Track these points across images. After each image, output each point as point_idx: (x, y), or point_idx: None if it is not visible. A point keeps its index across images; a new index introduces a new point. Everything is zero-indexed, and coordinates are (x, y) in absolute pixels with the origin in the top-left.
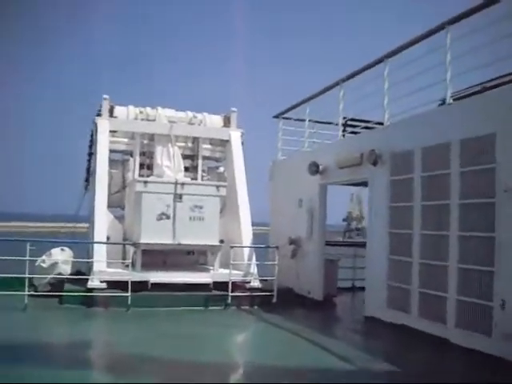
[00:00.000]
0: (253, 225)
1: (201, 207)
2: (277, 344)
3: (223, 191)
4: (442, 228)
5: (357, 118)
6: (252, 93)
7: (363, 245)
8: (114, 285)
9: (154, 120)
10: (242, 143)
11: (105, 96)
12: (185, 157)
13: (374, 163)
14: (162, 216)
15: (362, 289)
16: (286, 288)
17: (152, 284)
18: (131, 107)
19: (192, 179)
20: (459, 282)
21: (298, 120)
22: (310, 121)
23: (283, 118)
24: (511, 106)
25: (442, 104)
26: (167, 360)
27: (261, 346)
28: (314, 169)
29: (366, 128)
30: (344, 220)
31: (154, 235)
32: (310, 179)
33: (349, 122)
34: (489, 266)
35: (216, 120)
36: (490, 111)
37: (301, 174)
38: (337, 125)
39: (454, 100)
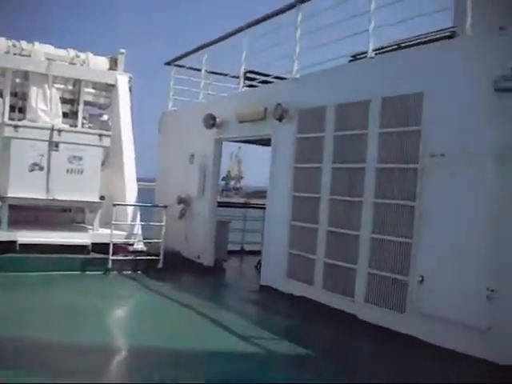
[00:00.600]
0: (139, 180)
1: (80, 158)
2: (164, 320)
3: (106, 141)
4: (355, 194)
5: (258, 70)
6: (144, 37)
7: (257, 207)
8: None
9: (29, 56)
10: (130, 89)
11: None
12: (64, 101)
13: (280, 118)
14: (35, 167)
15: (251, 253)
16: (173, 251)
17: (20, 245)
18: (2, 39)
19: (71, 126)
20: (371, 253)
21: (192, 69)
22: (206, 71)
23: (176, 65)
24: (444, 63)
25: (352, 60)
26: (33, 343)
27: (146, 322)
28: (211, 122)
29: (265, 82)
30: (223, 179)
31: (24, 188)
32: (204, 133)
33: (249, 75)
34: (407, 237)
35: (101, 61)
36: (419, 68)
37: (194, 128)
38: (235, 77)
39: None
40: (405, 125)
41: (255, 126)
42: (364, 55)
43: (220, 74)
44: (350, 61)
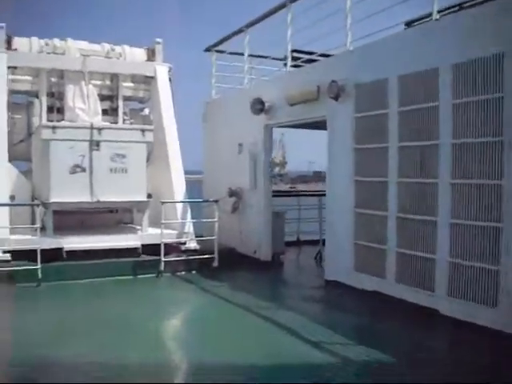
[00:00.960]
0: (186, 173)
1: (123, 156)
2: (224, 329)
3: (150, 136)
4: (429, 175)
5: (302, 49)
6: (182, 27)
7: (313, 194)
8: (20, 255)
9: (63, 53)
10: (170, 80)
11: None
12: (102, 98)
13: (336, 97)
14: (76, 168)
15: (308, 243)
16: (228, 248)
17: (67, 252)
18: (35, 38)
19: (112, 123)
20: (452, 241)
21: (233, 54)
22: (250, 55)
23: (216, 51)
24: None
25: (407, 28)
26: (81, 360)
27: (205, 333)
28: (259, 107)
29: (311, 61)
30: None
31: (67, 192)
32: (252, 120)
33: (295, 55)
34: (494, 221)
35: (138, 53)
36: (494, 26)
37: (241, 115)
38: (278, 59)
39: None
40: (483, 92)
41: (308, 108)
42: (420, 21)
43: (264, 57)
44: (405, 29)
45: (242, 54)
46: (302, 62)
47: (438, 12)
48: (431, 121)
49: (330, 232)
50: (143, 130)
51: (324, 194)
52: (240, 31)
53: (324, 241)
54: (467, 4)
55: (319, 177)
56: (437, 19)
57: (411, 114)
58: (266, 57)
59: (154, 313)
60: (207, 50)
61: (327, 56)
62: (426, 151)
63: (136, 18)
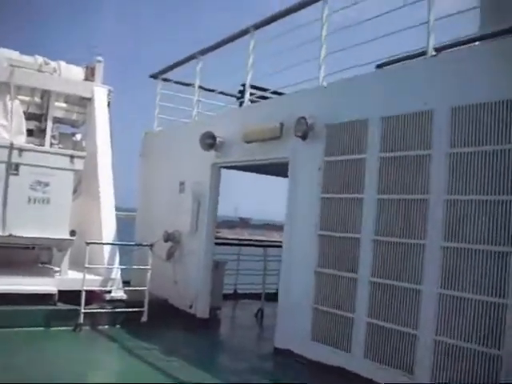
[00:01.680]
0: (117, 210)
1: (46, 184)
2: None
3: (79, 164)
4: (415, 235)
5: (258, 85)
6: (123, 47)
7: (256, 245)
8: None
9: None
10: (109, 104)
11: None
12: (29, 116)
13: (303, 136)
14: None
15: (247, 296)
16: (159, 299)
17: None
18: None
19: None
20: (441, 315)
21: (181, 84)
22: (200, 87)
23: (163, 79)
24: None
25: (380, 67)
26: None
27: None
28: (209, 141)
29: (264, 98)
30: None
31: None
32: (198, 157)
33: (252, 91)
34: (499, 295)
35: (76, 71)
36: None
37: (185, 150)
38: (232, 96)
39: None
40: (492, 142)
41: (267, 147)
42: (395, 63)
43: (213, 91)
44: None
45: (190, 85)
46: (257, 97)
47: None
48: (421, 171)
49: (283, 291)
50: (72, 156)
51: (270, 245)
52: (192, 58)
53: (266, 296)
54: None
55: (246, 224)
56: (433, 55)
57: (396, 161)
58: (217, 91)
59: (63, 378)
60: (153, 76)
61: (279, 94)
62: (413, 206)
63: (77, 33)
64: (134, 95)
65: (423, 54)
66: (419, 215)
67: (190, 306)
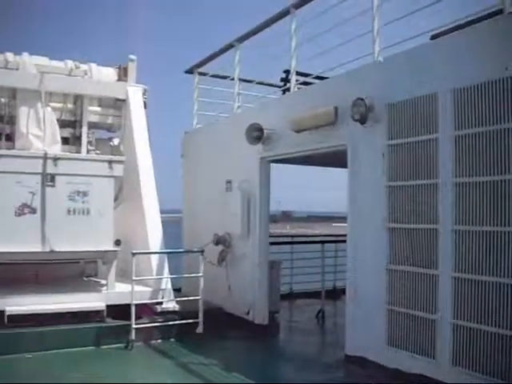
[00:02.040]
0: (162, 213)
1: (85, 194)
2: None
3: (119, 170)
4: (505, 220)
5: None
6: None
7: (312, 241)
8: None
9: (16, 69)
10: (145, 104)
11: None
12: (63, 124)
13: (362, 119)
14: (24, 209)
15: (304, 295)
16: (213, 307)
17: (9, 316)
18: None
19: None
20: None
21: (217, 77)
22: (240, 79)
23: (199, 73)
24: None
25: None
26: None
27: None
28: (256, 134)
29: (307, 85)
30: None
31: (11, 240)
32: (245, 152)
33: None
34: None
35: (108, 73)
36: None
37: (230, 146)
38: (273, 86)
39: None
40: None
41: (320, 136)
42: (450, 32)
43: (256, 82)
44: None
45: (227, 77)
46: (301, 84)
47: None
48: (507, 147)
49: (351, 292)
50: (111, 162)
51: (326, 241)
52: (230, 47)
53: (326, 294)
54: None
55: (288, 217)
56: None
57: (474, 139)
58: (254, 82)
59: None
60: (188, 71)
61: (325, 79)
62: (501, 189)
63: (107, 40)
64: (171, 93)
65: (491, 15)
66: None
67: (248, 313)
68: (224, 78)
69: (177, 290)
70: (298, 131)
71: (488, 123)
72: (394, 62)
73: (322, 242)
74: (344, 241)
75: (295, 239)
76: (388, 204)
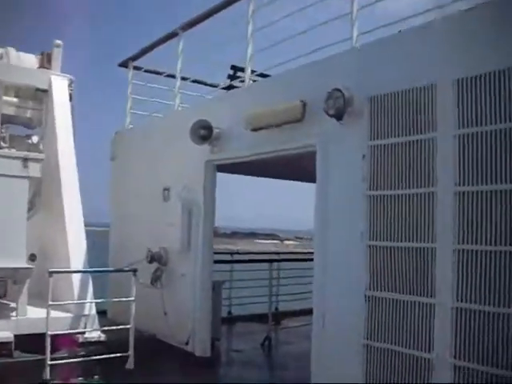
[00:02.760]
0: (86, 225)
1: None
2: None
3: (35, 169)
4: None
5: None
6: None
7: (261, 260)
8: None
9: None
10: (71, 97)
11: None
12: None
13: (339, 114)
14: None
15: (242, 318)
16: (145, 335)
17: None
18: None
19: None
20: None
21: (153, 72)
22: (183, 78)
23: (135, 67)
24: None
25: None
26: None
27: None
28: (203, 132)
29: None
30: None
31: None
32: (187, 156)
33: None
34: None
35: (28, 60)
36: None
37: (169, 149)
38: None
39: None
40: None
41: (283, 135)
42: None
43: (201, 82)
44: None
45: (162, 73)
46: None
47: None
48: None
49: (318, 322)
50: (26, 160)
51: (275, 260)
52: (172, 35)
53: (274, 316)
54: None
55: (214, 233)
56: None
57: (483, 138)
58: (201, 82)
59: None
60: (122, 64)
61: (264, 76)
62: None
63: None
64: (101, 87)
65: None
66: None
67: (187, 343)
68: (160, 73)
69: (101, 313)
70: (254, 129)
71: (501, 120)
72: (379, 48)
73: (270, 261)
74: (293, 259)
75: (235, 257)
76: (368, 217)
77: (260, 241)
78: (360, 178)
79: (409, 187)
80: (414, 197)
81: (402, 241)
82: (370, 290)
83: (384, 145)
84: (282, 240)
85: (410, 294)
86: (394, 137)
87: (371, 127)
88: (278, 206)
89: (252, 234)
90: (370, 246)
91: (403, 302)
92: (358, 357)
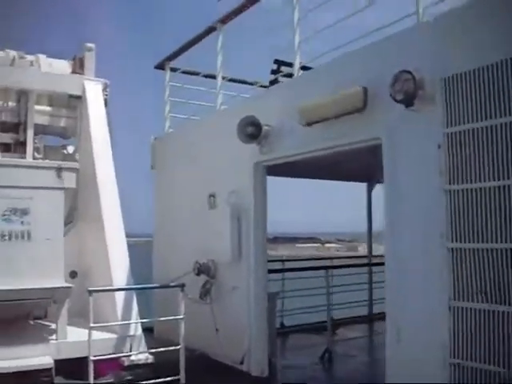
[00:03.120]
0: (128, 236)
1: (24, 212)
2: None
3: (71, 180)
4: None
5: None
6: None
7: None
8: None
9: None
10: (106, 102)
11: None
12: (3, 127)
13: (409, 99)
14: None
15: (297, 330)
16: (196, 354)
17: None
18: None
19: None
20: None
21: (190, 73)
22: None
23: (172, 68)
24: None
25: None
26: None
27: None
28: (251, 130)
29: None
30: None
31: None
32: (233, 158)
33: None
34: None
35: (59, 65)
36: None
37: (213, 151)
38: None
39: None
40: None
41: (341, 128)
42: None
43: (236, 80)
44: None
45: (199, 74)
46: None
47: None
48: None
49: (392, 339)
50: (60, 169)
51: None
52: (210, 30)
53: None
54: None
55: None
56: None
57: None
58: (243, 81)
59: None
60: (159, 66)
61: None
62: None
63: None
64: (136, 91)
65: None
66: None
67: (241, 362)
68: (198, 74)
69: (147, 331)
70: (308, 124)
71: None
72: (452, 20)
73: (327, 268)
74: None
75: (287, 264)
76: (449, 215)
77: (301, 245)
78: (436, 170)
79: (497, 179)
80: (507, 189)
81: (492, 242)
82: (455, 300)
83: (463, 131)
84: (322, 243)
85: (505, 304)
86: (475, 122)
87: (447, 112)
88: (318, 208)
89: (293, 239)
90: (452, 249)
91: (496, 313)
92: (442, 377)
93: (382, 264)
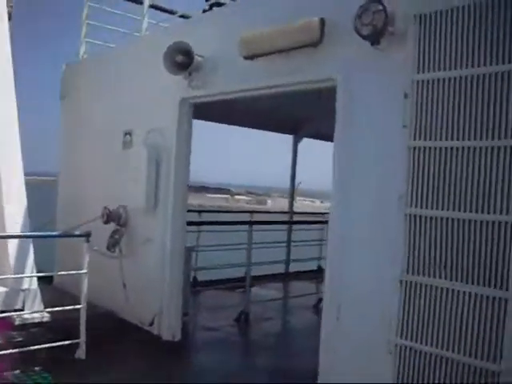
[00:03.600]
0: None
1: None
2: None
3: None
4: None
5: None
6: None
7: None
8: None
9: None
10: (10, 16)
11: None
12: None
13: (375, 36)
14: None
15: (209, 284)
16: (101, 312)
17: None
18: None
19: None
20: None
21: None
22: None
23: None
24: None
25: None
26: None
27: None
28: (182, 59)
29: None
30: None
31: None
32: (156, 92)
33: None
34: None
35: None
36: None
37: (132, 83)
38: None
39: None
40: None
41: (291, 64)
42: None
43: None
44: None
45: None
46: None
47: None
48: None
49: (330, 316)
50: None
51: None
52: None
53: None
54: None
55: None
56: None
57: None
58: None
59: None
60: None
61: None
62: None
63: None
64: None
65: None
66: None
67: (151, 323)
68: None
69: (46, 280)
70: (251, 57)
71: None
72: None
73: (250, 223)
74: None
75: (203, 216)
76: (411, 177)
77: (211, 195)
78: (399, 123)
79: (468, 139)
80: (479, 151)
81: (457, 210)
82: (408, 273)
83: (436, 80)
84: (232, 195)
85: (465, 282)
86: (450, 70)
87: (418, 55)
88: (231, 158)
89: (203, 188)
90: (410, 215)
91: (457, 292)
92: (387, 361)
93: (306, 222)
